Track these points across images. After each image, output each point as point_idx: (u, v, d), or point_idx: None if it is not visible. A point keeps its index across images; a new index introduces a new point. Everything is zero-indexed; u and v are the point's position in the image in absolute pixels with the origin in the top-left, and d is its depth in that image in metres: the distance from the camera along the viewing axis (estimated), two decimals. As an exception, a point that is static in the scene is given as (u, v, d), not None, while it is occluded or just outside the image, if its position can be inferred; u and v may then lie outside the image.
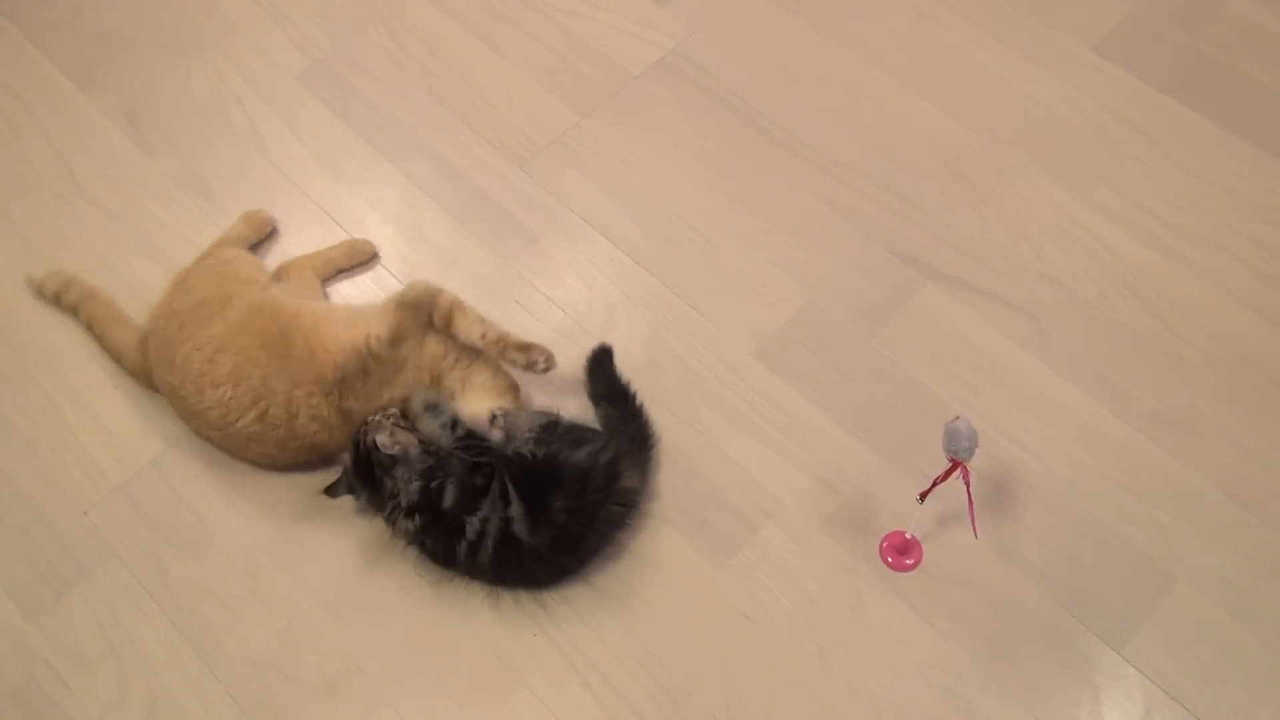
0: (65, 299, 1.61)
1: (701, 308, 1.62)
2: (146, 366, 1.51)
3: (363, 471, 1.36)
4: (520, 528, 1.32)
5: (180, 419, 1.50)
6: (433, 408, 1.37)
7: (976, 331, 1.59)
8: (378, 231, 1.71)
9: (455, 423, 1.36)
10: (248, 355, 1.40)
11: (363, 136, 1.81)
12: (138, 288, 1.63)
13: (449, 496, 1.33)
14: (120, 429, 1.54)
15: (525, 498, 1.32)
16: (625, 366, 1.56)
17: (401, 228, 1.71)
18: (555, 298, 1.64)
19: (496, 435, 1.37)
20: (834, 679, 1.35)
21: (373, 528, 1.44)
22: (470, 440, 1.35)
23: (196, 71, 1.88)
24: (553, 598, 1.40)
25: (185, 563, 1.44)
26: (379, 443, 1.34)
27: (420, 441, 1.36)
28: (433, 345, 1.45)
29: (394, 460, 1.34)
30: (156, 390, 1.52)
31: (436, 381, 1.44)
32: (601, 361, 1.51)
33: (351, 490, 1.40)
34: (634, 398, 1.49)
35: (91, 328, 1.60)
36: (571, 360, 1.58)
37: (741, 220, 1.70)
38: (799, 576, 1.41)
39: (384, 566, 1.43)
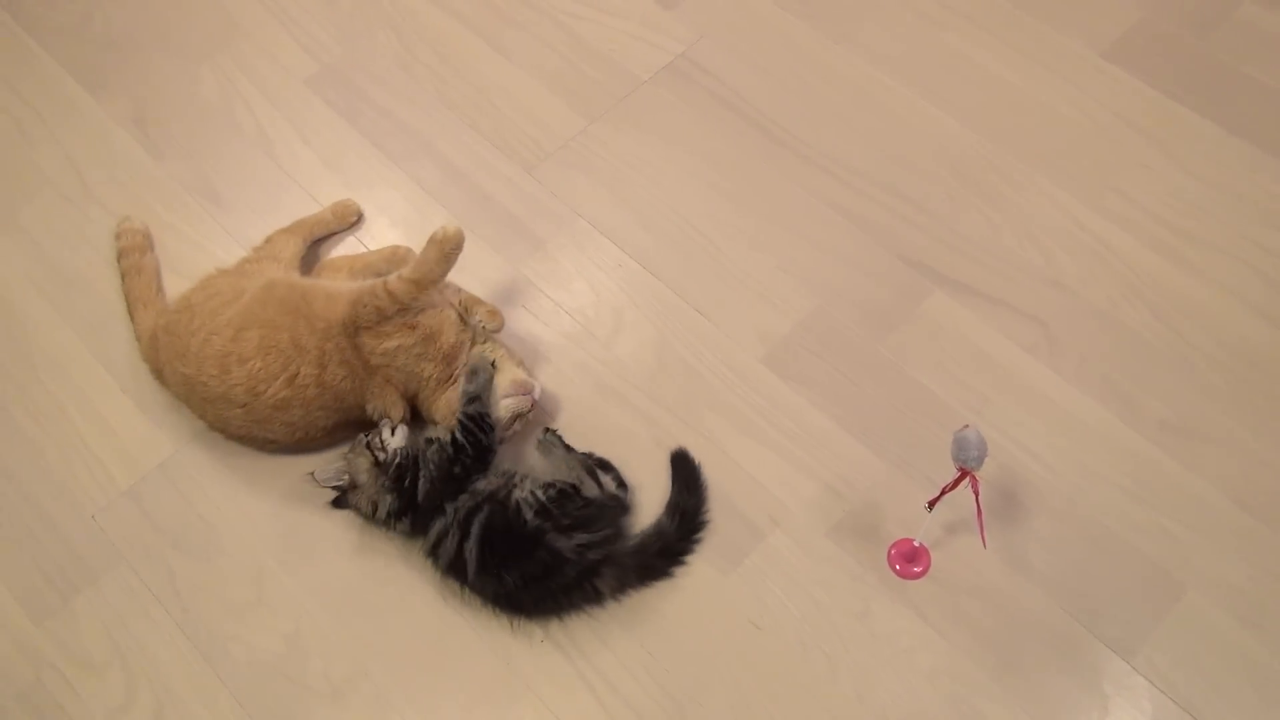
0: (122, 261, 1.65)
1: (708, 313, 1.62)
2: (154, 357, 1.52)
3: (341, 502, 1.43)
4: (470, 566, 1.33)
5: (196, 410, 1.49)
6: (474, 374, 1.40)
7: (984, 337, 1.59)
8: (385, 236, 1.71)
9: (476, 398, 1.38)
10: (273, 324, 1.40)
11: (370, 140, 1.81)
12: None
13: (421, 490, 1.36)
14: (128, 433, 1.54)
15: (484, 545, 1.32)
16: (632, 372, 1.56)
17: (409, 232, 1.71)
18: (562, 303, 1.64)
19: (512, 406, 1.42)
20: (841, 686, 1.34)
21: (377, 530, 1.45)
22: (475, 419, 1.37)
23: (205, 75, 1.89)
24: (559, 603, 1.40)
25: (192, 567, 1.44)
26: (314, 477, 1.39)
27: (375, 458, 1.39)
28: (454, 316, 1.46)
29: (345, 489, 1.40)
30: (160, 377, 1.53)
31: (450, 354, 1.44)
32: (690, 474, 1.45)
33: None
34: (697, 532, 1.42)
35: (126, 298, 1.63)
36: (576, 366, 1.58)
37: (749, 225, 1.70)
38: (806, 583, 1.41)
39: (391, 573, 1.43)
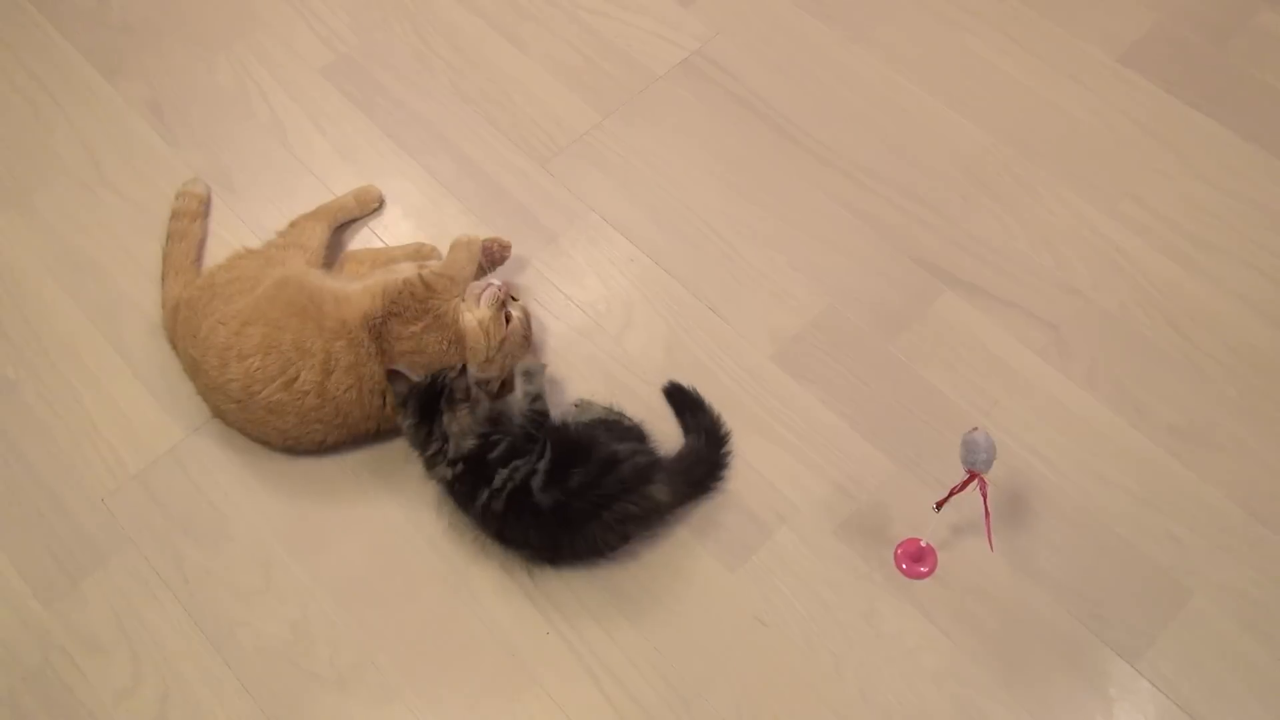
0: (171, 222, 1.67)
1: (720, 310, 1.62)
2: (173, 329, 1.53)
3: (428, 400, 1.39)
4: (538, 481, 1.35)
5: (199, 394, 1.50)
6: (529, 375, 1.45)
7: (995, 340, 1.59)
8: (399, 226, 1.71)
9: (538, 396, 1.43)
10: (277, 324, 1.41)
11: (385, 131, 1.81)
12: (159, 277, 1.64)
13: (498, 451, 1.37)
14: (139, 418, 1.54)
15: (555, 459, 1.36)
16: (642, 367, 1.57)
17: (422, 223, 1.72)
18: (574, 296, 1.64)
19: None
20: (846, 685, 1.35)
21: (387, 521, 1.45)
22: (537, 416, 1.41)
23: (221, 63, 1.89)
24: (566, 595, 1.40)
25: (201, 552, 1.45)
26: (471, 374, 1.40)
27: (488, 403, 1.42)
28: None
29: (462, 401, 1.38)
30: (174, 348, 1.54)
31: (458, 332, 1.46)
32: (686, 398, 1.52)
33: (409, 409, 1.41)
34: (724, 444, 1.49)
35: (163, 262, 1.64)
36: (586, 360, 1.58)
37: (762, 223, 1.70)
38: (813, 581, 1.41)
39: (399, 561, 1.43)
